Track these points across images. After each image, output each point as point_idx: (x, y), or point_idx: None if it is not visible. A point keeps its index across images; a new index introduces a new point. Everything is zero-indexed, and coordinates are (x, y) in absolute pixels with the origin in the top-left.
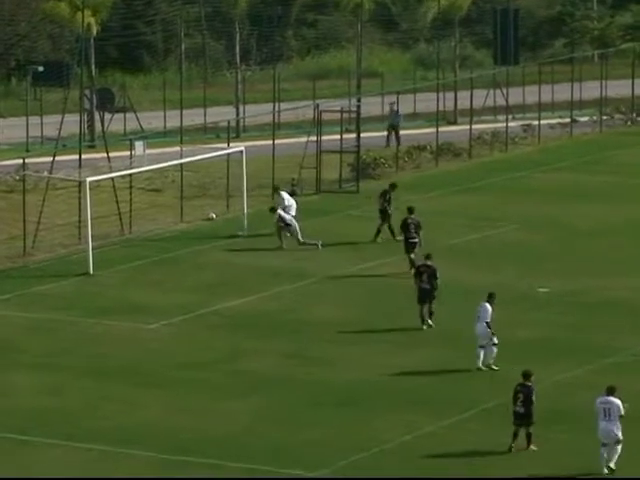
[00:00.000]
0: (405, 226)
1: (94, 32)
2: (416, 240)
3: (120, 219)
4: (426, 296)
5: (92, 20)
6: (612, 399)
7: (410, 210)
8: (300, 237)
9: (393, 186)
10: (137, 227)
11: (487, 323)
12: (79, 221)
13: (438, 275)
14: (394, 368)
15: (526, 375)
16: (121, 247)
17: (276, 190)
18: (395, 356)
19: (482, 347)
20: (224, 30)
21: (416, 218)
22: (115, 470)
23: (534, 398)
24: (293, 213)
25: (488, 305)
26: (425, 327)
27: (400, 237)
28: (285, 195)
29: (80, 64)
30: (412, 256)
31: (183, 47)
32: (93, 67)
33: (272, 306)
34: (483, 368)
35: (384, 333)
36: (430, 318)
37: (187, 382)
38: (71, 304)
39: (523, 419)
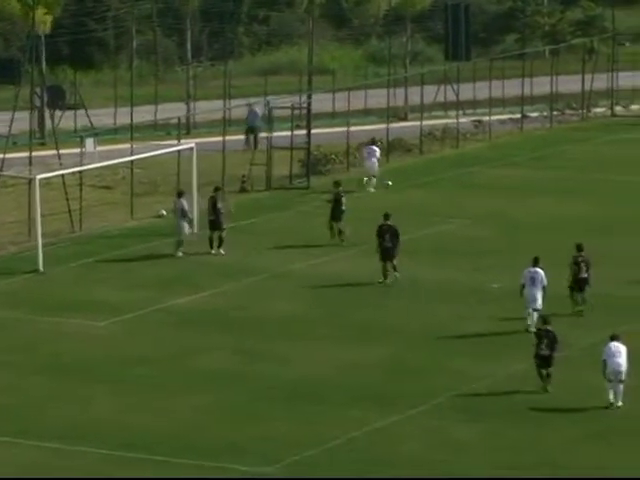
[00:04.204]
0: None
1: (46, 29)
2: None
3: (70, 216)
4: (388, 254)
5: (44, 18)
6: (619, 344)
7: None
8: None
9: (337, 184)
10: (87, 224)
11: (544, 288)
12: (29, 218)
13: (400, 232)
14: (343, 364)
15: (545, 321)
16: (71, 244)
17: (180, 195)
18: (344, 352)
19: (536, 310)
20: (175, 26)
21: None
22: (67, 467)
23: (558, 340)
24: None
25: (541, 270)
26: (389, 281)
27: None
28: (185, 203)
29: (31, 61)
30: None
31: (134, 44)
32: (44, 64)
33: (222, 303)
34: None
35: (333, 329)
36: (395, 271)
37: (137, 379)
38: (21, 302)
39: (547, 361)
